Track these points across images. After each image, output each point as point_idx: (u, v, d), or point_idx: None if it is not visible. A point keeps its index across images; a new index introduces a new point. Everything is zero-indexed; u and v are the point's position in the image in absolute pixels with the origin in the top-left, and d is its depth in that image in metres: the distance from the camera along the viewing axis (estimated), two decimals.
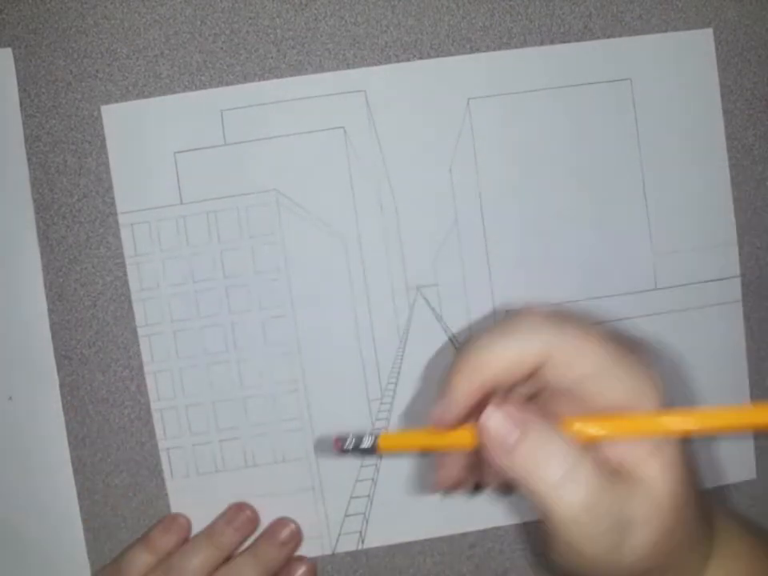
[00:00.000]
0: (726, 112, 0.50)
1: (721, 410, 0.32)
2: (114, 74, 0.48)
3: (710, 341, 0.50)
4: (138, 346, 0.48)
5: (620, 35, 0.49)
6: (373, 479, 0.49)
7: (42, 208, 0.48)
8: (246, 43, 0.48)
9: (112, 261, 0.48)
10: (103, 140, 0.47)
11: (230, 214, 0.48)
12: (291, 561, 0.48)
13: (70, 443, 0.48)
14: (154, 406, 0.48)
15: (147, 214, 0.48)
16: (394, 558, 0.50)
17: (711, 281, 0.50)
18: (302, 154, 0.48)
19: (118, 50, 0.47)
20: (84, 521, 0.48)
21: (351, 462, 0.49)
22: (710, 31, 0.49)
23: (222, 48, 0.48)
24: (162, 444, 0.48)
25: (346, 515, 0.49)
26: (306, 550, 0.49)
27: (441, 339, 0.49)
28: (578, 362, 0.33)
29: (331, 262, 0.49)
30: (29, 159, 0.47)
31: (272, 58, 0.48)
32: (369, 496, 0.49)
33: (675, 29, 0.49)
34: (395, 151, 0.49)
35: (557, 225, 0.49)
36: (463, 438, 0.34)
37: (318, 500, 0.49)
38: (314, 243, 0.48)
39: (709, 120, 0.50)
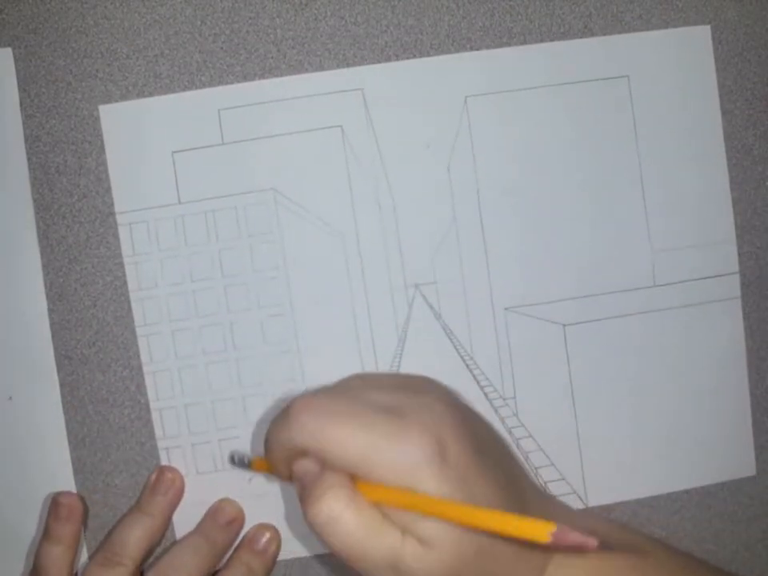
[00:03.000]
0: (724, 109, 0.50)
1: (476, 510, 0.33)
2: (114, 73, 0.48)
3: (709, 338, 0.50)
4: (138, 345, 0.48)
5: (618, 32, 0.49)
6: None
7: (42, 208, 0.48)
8: (245, 43, 0.48)
9: (112, 261, 0.48)
10: (103, 140, 0.48)
11: (228, 213, 0.48)
12: (258, 528, 0.49)
13: (70, 443, 0.48)
14: (153, 405, 0.48)
15: (145, 214, 0.48)
16: None
17: (710, 278, 0.50)
18: (300, 152, 0.48)
19: (118, 50, 0.47)
20: (84, 520, 0.48)
21: None
22: (707, 28, 0.49)
23: (221, 48, 0.48)
24: (161, 443, 0.48)
25: None
26: (302, 548, 0.49)
27: (439, 337, 0.49)
28: (345, 452, 0.35)
29: (330, 261, 0.49)
30: (29, 159, 0.47)
31: (271, 57, 0.48)
32: None
33: (673, 26, 0.49)
34: (393, 149, 0.49)
35: (555, 222, 0.49)
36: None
37: None
38: (312, 242, 0.48)
39: (707, 117, 0.50)
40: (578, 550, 0.30)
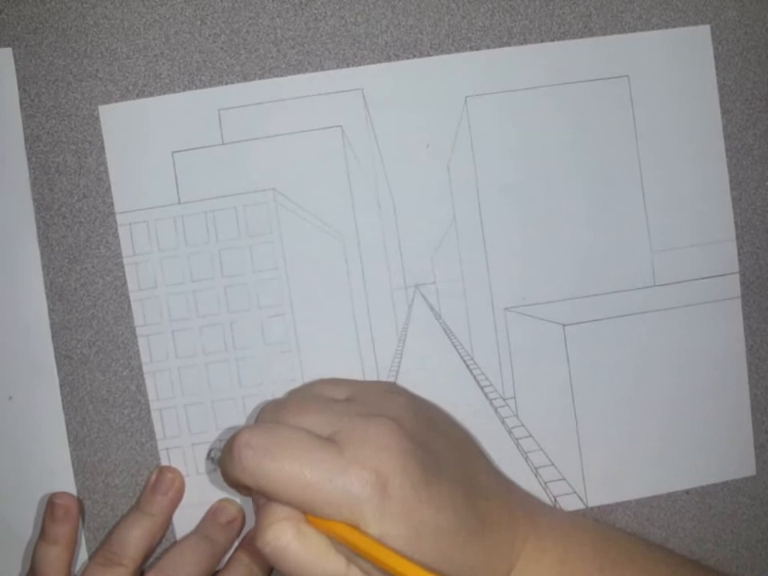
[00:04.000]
0: (724, 109, 0.50)
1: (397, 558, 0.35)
2: (114, 73, 0.47)
3: (709, 338, 0.50)
4: (138, 345, 0.48)
5: (618, 32, 0.49)
6: None
7: (42, 208, 0.48)
8: (245, 43, 0.48)
9: (112, 261, 0.48)
10: (102, 140, 0.47)
11: (228, 213, 0.48)
12: None
13: (70, 443, 0.48)
14: (153, 405, 0.48)
15: (145, 214, 0.48)
16: None
17: (710, 278, 0.50)
18: (300, 152, 0.48)
19: (118, 50, 0.47)
20: (84, 520, 0.48)
21: None
22: (707, 28, 0.49)
23: (221, 48, 0.48)
24: (161, 444, 0.48)
25: None
26: None
27: (439, 337, 0.49)
28: (286, 490, 0.36)
29: (329, 261, 0.48)
30: (29, 159, 0.47)
31: (272, 57, 0.48)
32: None
33: (673, 26, 0.49)
34: (393, 149, 0.49)
35: (555, 222, 0.49)
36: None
37: None
38: (312, 242, 0.48)
39: (707, 117, 0.50)
40: None
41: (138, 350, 0.48)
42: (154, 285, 0.48)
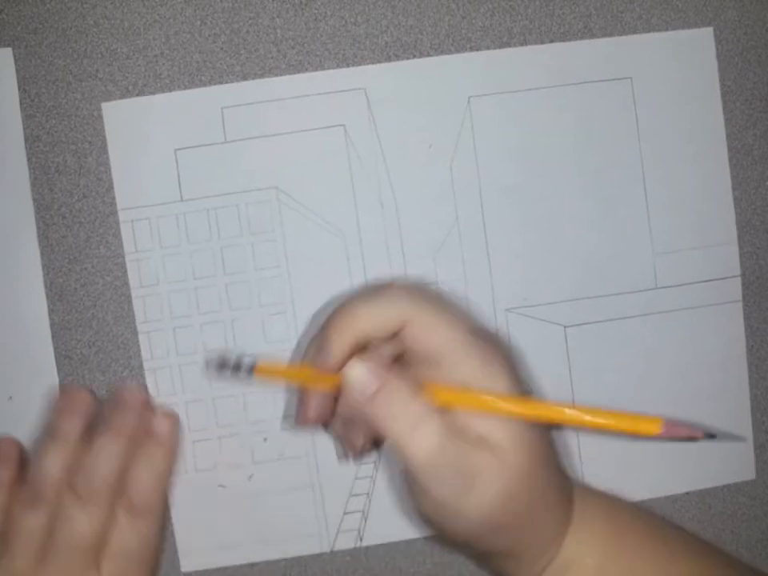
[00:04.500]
0: (726, 112, 0.50)
1: (551, 404, 0.36)
2: (115, 73, 0.48)
3: (710, 340, 0.50)
4: (138, 345, 0.48)
5: (620, 34, 0.49)
6: (372, 477, 0.49)
7: (42, 208, 0.48)
8: (245, 43, 0.48)
9: (112, 260, 0.48)
10: (104, 140, 0.47)
11: (230, 210, 0.48)
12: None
13: None
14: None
15: (147, 211, 0.48)
16: (393, 558, 0.50)
17: (712, 280, 0.50)
18: (303, 151, 0.48)
19: (118, 50, 0.48)
20: None
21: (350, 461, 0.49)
22: (710, 30, 0.49)
23: (221, 48, 0.48)
24: None
25: (345, 513, 0.49)
26: (305, 547, 0.49)
27: None
28: (430, 335, 0.37)
29: (331, 260, 0.49)
30: (29, 159, 0.47)
31: (272, 57, 0.48)
32: (368, 494, 0.49)
33: (675, 28, 0.49)
34: (396, 149, 0.49)
35: (557, 223, 0.49)
36: (332, 380, 0.38)
37: (316, 497, 0.49)
38: (314, 241, 0.48)
39: (709, 119, 0.50)
40: (688, 439, 0.35)
41: (139, 350, 0.48)
42: (156, 282, 0.48)
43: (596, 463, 0.49)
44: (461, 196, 0.49)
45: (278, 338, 0.48)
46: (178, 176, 0.48)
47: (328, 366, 0.38)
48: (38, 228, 0.48)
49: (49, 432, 0.42)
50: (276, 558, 0.49)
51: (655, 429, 0.34)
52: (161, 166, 0.48)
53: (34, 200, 0.48)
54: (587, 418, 0.36)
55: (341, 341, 0.38)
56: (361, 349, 0.38)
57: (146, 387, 0.48)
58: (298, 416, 0.40)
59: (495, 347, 0.37)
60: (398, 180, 0.49)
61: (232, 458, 0.48)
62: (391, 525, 0.49)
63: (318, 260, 0.48)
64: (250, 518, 0.48)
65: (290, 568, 0.49)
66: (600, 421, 0.36)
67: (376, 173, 0.49)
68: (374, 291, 0.38)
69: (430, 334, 0.37)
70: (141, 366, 0.48)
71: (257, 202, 0.48)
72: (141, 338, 0.48)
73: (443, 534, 0.38)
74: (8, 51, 0.47)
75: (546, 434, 0.38)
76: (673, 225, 0.50)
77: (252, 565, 0.49)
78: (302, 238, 0.48)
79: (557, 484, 0.38)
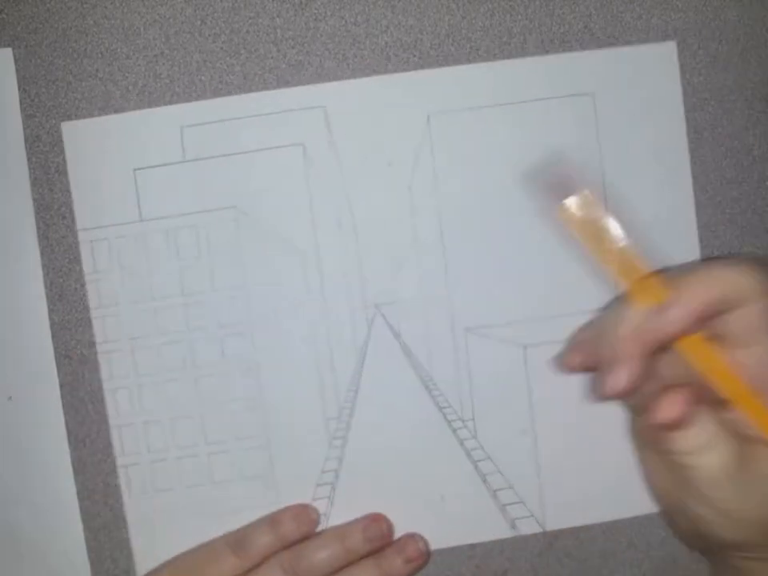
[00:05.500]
0: (689, 126, 0.49)
1: None
2: (115, 73, 0.48)
3: None
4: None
5: (582, 49, 0.48)
6: (329, 496, 0.49)
7: (42, 208, 0.48)
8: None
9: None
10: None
11: (189, 231, 0.48)
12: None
13: (69, 443, 0.48)
14: (111, 422, 0.48)
15: (106, 231, 0.48)
16: None
17: None
18: (261, 170, 0.48)
19: (119, 50, 0.48)
20: (84, 521, 0.48)
21: (310, 481, 0.49)
22: (673, 44, 0.48)
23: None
24: (119, 461, 0.48)
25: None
26: None
27: (399, 357, 0.49)
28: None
29: (290, 280, 0.48)
30: (29, 159, 0.48)
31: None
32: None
33: (638, 42, 0.48)
34: (355, 167, 0.48)
35: (517, 242, 0.49)
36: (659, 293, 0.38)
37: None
38: (273, 261, 0.48)
39: (672, 134, 0.49)
40: None
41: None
42: (115, 302, 0.48)
43: (556, 485, 0.49)
44: (420, 214, 0.49)
45: (236, 358, 0.48)
46: (137, 196, 0.48)
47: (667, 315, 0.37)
48: (38, 228, 0.48)
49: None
50: None
51: None
52: (120, 186, 0.48)
53: (34, 200, 0.48)
54: None
55: (692, 294, 0.37)
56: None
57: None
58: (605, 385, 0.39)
59: None
60: (356, 199, 0.48)
61: (190, 478, 0.48)
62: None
63: (276, 280, 0.48)
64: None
65: None
66: None
67: (335, 192, 0.48)
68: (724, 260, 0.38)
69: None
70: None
71: (215, 222, 0.48)
72: (100, 357, 0.48)
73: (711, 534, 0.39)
74: (8, 51, 0.47)
75: None
76: (635, 242, 0.49)
77: None
78: (260, 257, 0.48)
79: None
